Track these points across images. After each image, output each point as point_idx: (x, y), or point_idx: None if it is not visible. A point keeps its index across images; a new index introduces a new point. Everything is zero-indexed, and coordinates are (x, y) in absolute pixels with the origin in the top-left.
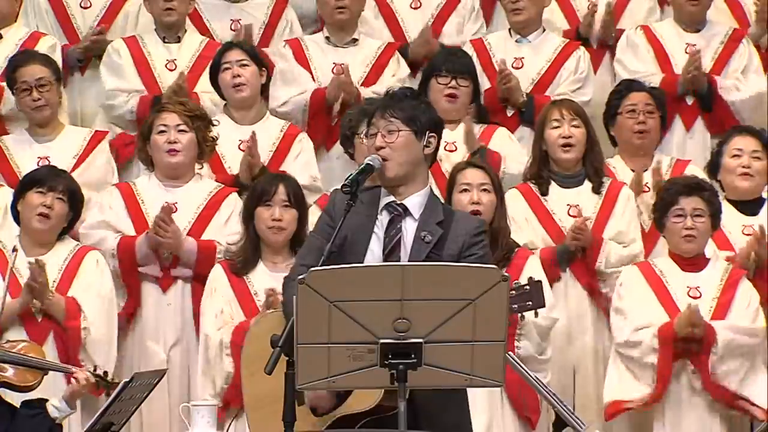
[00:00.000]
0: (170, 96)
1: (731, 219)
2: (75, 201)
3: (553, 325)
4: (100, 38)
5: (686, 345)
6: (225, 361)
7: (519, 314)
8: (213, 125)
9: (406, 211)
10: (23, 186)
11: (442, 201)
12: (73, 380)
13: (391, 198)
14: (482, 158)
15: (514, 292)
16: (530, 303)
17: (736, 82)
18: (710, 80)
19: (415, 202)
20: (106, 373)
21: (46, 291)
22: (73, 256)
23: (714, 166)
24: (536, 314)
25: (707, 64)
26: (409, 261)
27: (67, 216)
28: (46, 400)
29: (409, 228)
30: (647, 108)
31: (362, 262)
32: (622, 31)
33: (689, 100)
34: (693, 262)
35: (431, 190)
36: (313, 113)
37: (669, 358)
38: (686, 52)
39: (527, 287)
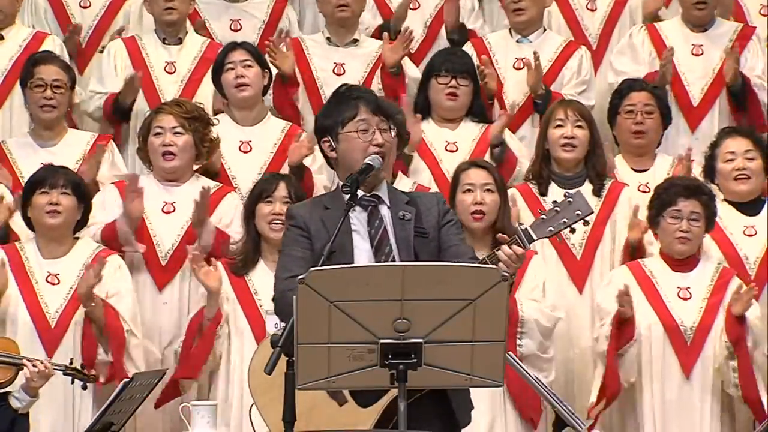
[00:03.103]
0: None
1: (731, 220)
2: (80, 192)
3: (555, 323)
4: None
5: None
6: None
7: (566, 230)
8: (212, 125)
9: (379, 200)
10: (27, 192)
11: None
12: (28, 365)
13: (361, 193)
14: (501, 154)
15: (558, 207)
16: (579, 212)
17: (762, 81)
18: (744, 78)
19: (383, 190)
20: (83, 365)
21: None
22: (94, 258)
23: (710, 171)
24: (585, 223)
25: (716, 64)
26: (399, 243)
27: (77, 208)
28: (9, 393)
29: (385, 214)
30: (646, 108)
31: (352, 262)
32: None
33: (695, 102)
34: (683, 262)
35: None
36: (275, 89)
37: (612, 339)
38: (692, 53)
39: (570, 199)
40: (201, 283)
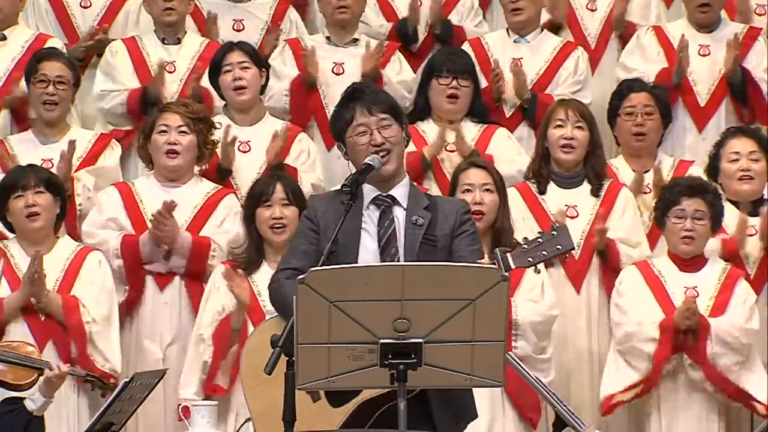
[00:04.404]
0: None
1: (733, 219)
2: (53, 187)
3: (551, 322)
4: (102, 37)
5: (683, 337)
6: (204, 353)
7: (547, 262)
8: (215, 128)
9: (394, 201)
10: (1, 197)
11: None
12: (47, 370)
13: (377, 192)
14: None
15: (540, 239)
16: (560, 246)
17: (763, 75)
18: (744, 71)
19: (401, 191)
20: (102, 374)
21: (43, 286)
22: (75, 256)
23: (713, 170)
24: (566, 257)
25: (722, 64)
26: (405, 247)
27: (54, 204)
28: (23, 397)
29: (399, 216)
30: (646, 109)
31: (356, 260)
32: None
33: (702, 102)
34: (691, 262)
35: (410, 179)
36: (293, 95)
37: (667, 346)
38: (699, 54)
39: (554, 232)
40: (235, 297)
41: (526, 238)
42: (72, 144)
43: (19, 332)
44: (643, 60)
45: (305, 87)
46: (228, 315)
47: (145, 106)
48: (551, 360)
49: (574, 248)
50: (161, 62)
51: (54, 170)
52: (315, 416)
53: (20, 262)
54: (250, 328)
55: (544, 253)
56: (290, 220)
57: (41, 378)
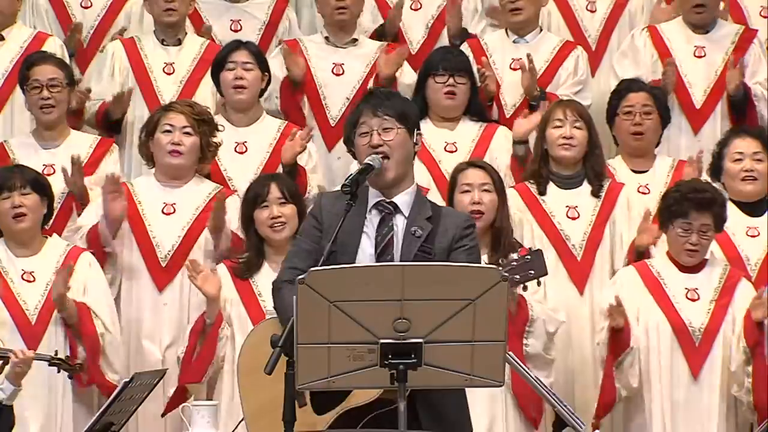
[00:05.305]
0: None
1: (735, 220)
2: (40, 187)
3: (558, 325)
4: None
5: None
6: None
7: (522, 285)
8: (218, 131)
9: (396, 209)
10: None
11: (443, 202)
12: (12, 356)
13: (381, 197)
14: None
15: (515, 263)
16: (532, 272)
17: (762, 89)
18: (745, 88)
19: (404, 200)
20: (68, 357)
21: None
22: (66, 255)
23: (716, 169)
24: (539, 283)
25: (718, 66)
26: (400, 256)
27: (41, 204)
28: None
29: (399, 225)
30: (644, 109)
31: (354, 262)
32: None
33: (697, 104)
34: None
35: (417, 187)
36: (281, 96)
37: (610, 351)
38: (695, 55)
39: (528, 257)
40: (199, 290)
41: (503, 259)
42: (77, 158)
43: (8, 336)
44: (635, 64)
45: (291, 86)
46: (203, 313)
47: (107, 122)
48: (554, 362)
49: (547, 274)
50: (130, 89)
51: (62, 180)
52: (298, 422)
53: (6, 264)
54: (251, 329)
55: (517, 277)
56: (289, 218)
57: (6, 367)
